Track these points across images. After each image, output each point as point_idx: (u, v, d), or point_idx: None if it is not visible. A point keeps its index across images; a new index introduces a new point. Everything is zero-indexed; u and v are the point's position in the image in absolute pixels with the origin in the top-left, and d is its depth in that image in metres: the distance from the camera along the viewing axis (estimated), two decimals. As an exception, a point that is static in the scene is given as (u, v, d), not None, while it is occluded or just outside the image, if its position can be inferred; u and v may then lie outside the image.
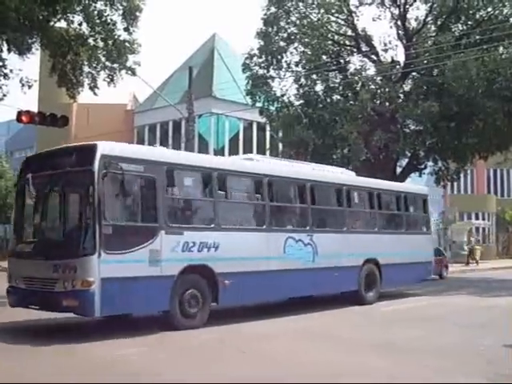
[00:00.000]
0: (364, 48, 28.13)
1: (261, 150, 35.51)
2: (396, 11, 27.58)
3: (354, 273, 16.64)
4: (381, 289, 17.66)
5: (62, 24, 20.20)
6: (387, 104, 25.75)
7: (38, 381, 8.18)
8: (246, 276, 13.30)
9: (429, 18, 27.67)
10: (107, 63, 20.95)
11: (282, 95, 28.52)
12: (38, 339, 10.84)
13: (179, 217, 12.51)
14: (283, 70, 28.35)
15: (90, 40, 20.64)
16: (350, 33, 28.55)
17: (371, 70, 27.93)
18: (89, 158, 10.87)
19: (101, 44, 20.64)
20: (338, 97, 27.62)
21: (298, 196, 15.52)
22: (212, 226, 12.90)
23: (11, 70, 20.03)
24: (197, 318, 12.37)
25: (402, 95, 26.57)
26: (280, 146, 31.40)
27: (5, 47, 19.37)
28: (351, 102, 26.29)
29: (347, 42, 28.90)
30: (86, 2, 19.71)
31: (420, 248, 19.42)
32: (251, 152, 35.88)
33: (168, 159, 12.36)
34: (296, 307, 15.71)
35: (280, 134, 29.97)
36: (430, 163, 28.94)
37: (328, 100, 27.26)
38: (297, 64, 27.97)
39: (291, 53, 28.01)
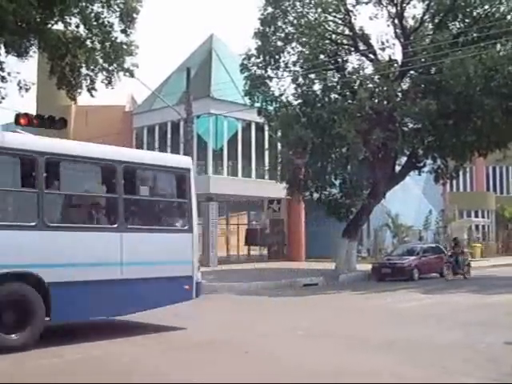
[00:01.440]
0: (362, 47, 28.10)
1: (260, 150, 35.53)
2: (393, 10, 27.58)
3: None
4: (60, 319, 10.90)
5: (60, 26, 20.21)
6: (385, 102, 25.73)
7: (34, 381, 8.22)
8: None
9: (426, 16, 27.67)
10: (105, 65, 20.95)
11: (280, 95, 28.49)
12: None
13: None
14: (281, 69, 28.33)
15: (88, 42, 20.65)
16: (347, 32, 28.52)
17: (369, 69, 27.89)
18: None
19: (98, 46, 20.65)
20: (336, 96, 27.57)
21: None
22: None
23: (9, 73, 20.09)
24: None
25: (399, 94, 26.57)
26: (279, 145, 31.38)
27: (2, 50, 19.44)
28: (349, 101, 26.25)
29: (345, 41, 28.88)
30: (83, 4, 19.70)
31: (166, 254, 12.06)
32: (250, 153, 35.90)
33: None
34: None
35: (279, 134, 29.95)
36: (429, 161, 28.93)
37: (326, 99, 27.20)
38: (294, 64, 27.94)
39: (289, 52, 27.98)
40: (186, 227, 12.73)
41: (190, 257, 12.66)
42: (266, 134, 34.88)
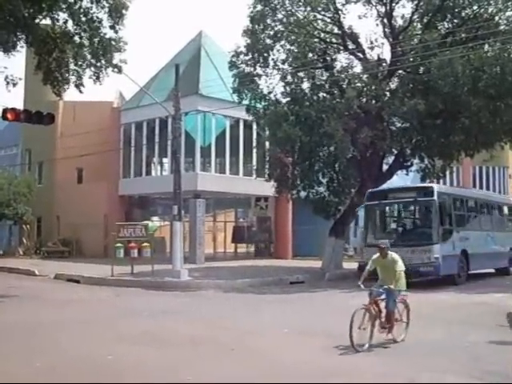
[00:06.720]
0: (350, 46, 28.10)
1: (247, 148, 35.51)
2: (382, 9, 27.58)
3: None
4: None
5: (48, 22, 20.09)
6: (373, 102, 25.76)
7: (33, 381, 8.22)
8: None
9: (415, 16, 27.70)
10: (93, 61, 20.84)
11: (269, 93, 28.46)
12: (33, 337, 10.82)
13: None
14: (270, 67, 28.26)
15: (76, 38, 20.52)
16: (336, 30, 28.50)
17: (357, 68, 27.90)
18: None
19: (86, 42, 20.53)
20: (325, 94, 27.57)
21: None
22: None
23: (-4, 68, 19.93)
24: None
25: (388, 93, 26.58)
26: (267, 143, 31.39)
27: (-11, 45, 19.27)
28: (337, 100, 26.26)
29: (334, 40, 28.87)
30: (72, -1, 19.59)
31: None
32: (238, 150, 35.90)
33: None
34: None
35: (267, 132, 29.92)
36: (417, 161, 28.98)
37: (314, 97, 27.20)
38: (283, 62, 27.90)
39: (278, 50, 27.90)
40: None
41: None
42: (254, 131, 34.86)
